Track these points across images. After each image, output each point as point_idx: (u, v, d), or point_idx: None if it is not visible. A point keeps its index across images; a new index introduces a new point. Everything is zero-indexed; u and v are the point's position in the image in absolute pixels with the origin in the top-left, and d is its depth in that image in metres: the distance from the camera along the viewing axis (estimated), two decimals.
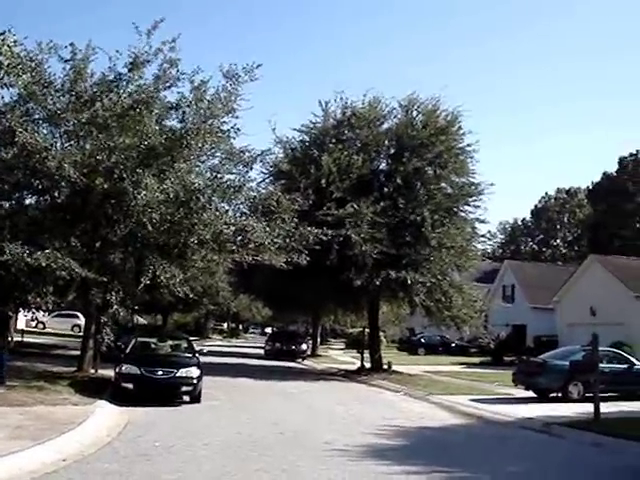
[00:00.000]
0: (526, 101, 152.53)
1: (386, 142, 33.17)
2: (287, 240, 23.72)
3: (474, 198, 32.66)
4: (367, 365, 35.11)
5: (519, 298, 55.90)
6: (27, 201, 23.03)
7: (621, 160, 79.26)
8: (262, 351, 51.34)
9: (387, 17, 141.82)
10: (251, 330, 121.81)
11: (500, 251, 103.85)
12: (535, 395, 23.08)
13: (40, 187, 21.76)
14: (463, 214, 33.27)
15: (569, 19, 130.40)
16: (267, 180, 32.63)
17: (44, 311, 32.66)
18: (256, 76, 22.30)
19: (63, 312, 52.25)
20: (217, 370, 27.56)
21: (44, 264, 18.66)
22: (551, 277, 51.78)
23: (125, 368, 19.02)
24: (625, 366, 23.48)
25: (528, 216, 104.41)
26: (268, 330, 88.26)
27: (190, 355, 21.18)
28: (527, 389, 23.56)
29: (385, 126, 33.24)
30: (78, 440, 12.08)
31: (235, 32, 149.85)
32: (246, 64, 22.17)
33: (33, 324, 53.08)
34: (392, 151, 33.11)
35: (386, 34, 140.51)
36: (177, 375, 18.86)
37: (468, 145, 32.37)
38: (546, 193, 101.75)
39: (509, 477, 11.24)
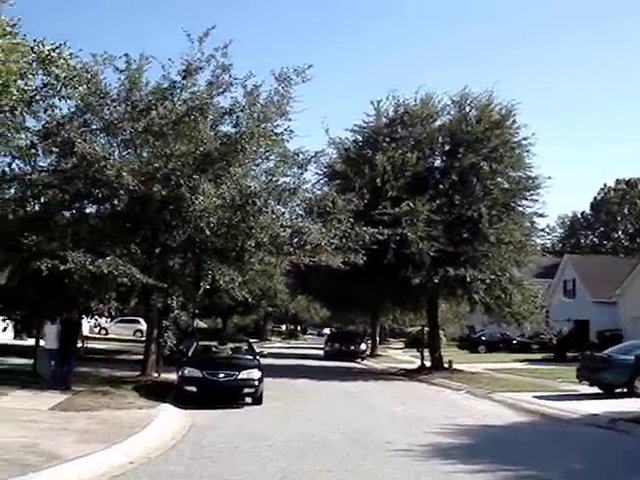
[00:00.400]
0: (584, 95, 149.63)
1: (440, 139, 33.01)
2: (343, 240, 23.76)
3: (531, 192, 32.26)
4: (427, 364, 34.90)
5: (580, 292, 54.88)
6: (88, 210, 23.58)
7: None
8: (321, 352, 51.32)
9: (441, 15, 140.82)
10: (309, 331, 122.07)
11: (560, 245, 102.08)
12: (600, 391, 22.64)
13: (100, 196, 22.30)
14: (521, 209, 32.90)
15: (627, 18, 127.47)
16: (322, 181, 32.77)
17: (107, 317, 33.34)
18: (307, 77, 22.45)
19: (125, 318, 53.10)
20: (277, 371, 27.71)
21: (106, 271, 19.03)
22: (613, 270, 50.69)
23: (187, 371, 19.28)
24: None
25: (587, 209, 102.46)
26: (326, 331, 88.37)
27: (251, 357, 21.34)
28: (591, 385, 23.12)
29: (438, 122, 33.04)
30: (144, 443, 12.28)
31: (285, 31, 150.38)
32: (297, 66, 22.34)
33: (96, 330, 54.22)
34: (446, 147, 32.97)
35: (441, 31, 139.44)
36: (239, 377, 19.04)
37: (524, 139, 32.01)
38: (605, 185, 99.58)
39: (575, 475, 11.05)
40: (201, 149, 21.19)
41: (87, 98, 20.76)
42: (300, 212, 24.48)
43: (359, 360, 46.25)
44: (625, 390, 21.84)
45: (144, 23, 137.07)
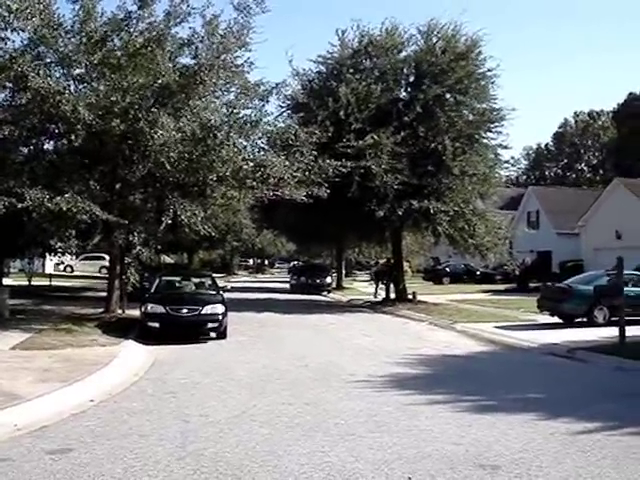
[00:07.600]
0: (548, 23, 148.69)
1: (405, 70, 32.57)
2: (306, 173, 23.58)
3: (496, 124, 32.08)
4: (392, 296, 35.24)
5: (544, 224, 55.55)
6: (45, 146, 23.03)
7: None
8: (288, 285, 51.60)
9: None
10: (277, 265, 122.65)
11: (524, 177, 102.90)
12: (560, 321, 23.03)
13: (56, 131, 21.80)
14: (485, 141, 32.77)
15: None
16: (284, 114, 32.17)
17: (70, 254, 33.09)
18: (267, 7, 21.96)
19: (90, 255, 52.85)
20: (243, 306, 27.86)
21: (65, 208, 18.71)
22: (576, 202, 51.35)
23: (150, 307, 19.22)
24: None
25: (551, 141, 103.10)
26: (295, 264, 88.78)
27: (214, 292, 21.36)
28: (552, 315, 23.47)
29: (404, 54, 32.54)
30: (105, 380, 12.25)
31: None
32: None
33: (61, 268, 54.00)
34: (411, 79, 32.57)
35: None
36: (202, 312, 19.05)
37: (489, 70, 31.64)
38: (565, 119, 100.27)
39: (533, 403, 11.17)
40: (159, 82, 20.70)
41: (40, 30, 19.95)
42: (262, 145, 24.15)
43: (325, 293, 46.58)
44: (585, 320, 22.22)
45: None
